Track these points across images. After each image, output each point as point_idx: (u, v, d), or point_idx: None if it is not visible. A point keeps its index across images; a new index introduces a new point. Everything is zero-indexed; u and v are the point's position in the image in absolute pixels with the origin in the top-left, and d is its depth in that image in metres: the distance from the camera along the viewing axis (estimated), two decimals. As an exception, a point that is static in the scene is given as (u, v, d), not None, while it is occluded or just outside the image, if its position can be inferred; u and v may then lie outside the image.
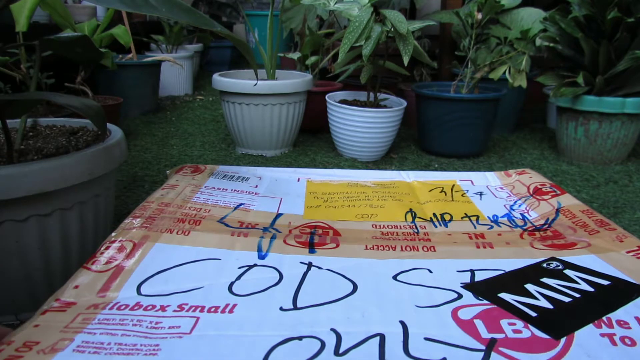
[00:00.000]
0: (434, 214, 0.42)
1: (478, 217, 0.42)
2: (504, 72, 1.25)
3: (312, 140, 1.43)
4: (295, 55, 1.58)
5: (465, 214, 0.42)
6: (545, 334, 0.24)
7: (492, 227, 0.40)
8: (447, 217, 0.42)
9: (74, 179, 0.56)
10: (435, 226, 0.40)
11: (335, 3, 1.12)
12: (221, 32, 0.48)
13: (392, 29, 1.05)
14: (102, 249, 0.32)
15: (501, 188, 0.50)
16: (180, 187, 0.44)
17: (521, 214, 0.43)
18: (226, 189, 0.45)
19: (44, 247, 0.56)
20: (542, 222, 0.41)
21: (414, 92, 1.32)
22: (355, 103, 1.30)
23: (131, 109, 1.65)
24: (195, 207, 0.40)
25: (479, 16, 1.23)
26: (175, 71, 2.01)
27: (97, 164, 0.58)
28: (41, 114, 1.06)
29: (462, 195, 0.48)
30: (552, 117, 1.62)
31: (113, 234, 0.34)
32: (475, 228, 0.40)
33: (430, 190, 0.48)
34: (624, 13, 1.11)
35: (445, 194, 0.48)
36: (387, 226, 0.39)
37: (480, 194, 0.48)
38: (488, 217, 0.42)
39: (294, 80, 1.24)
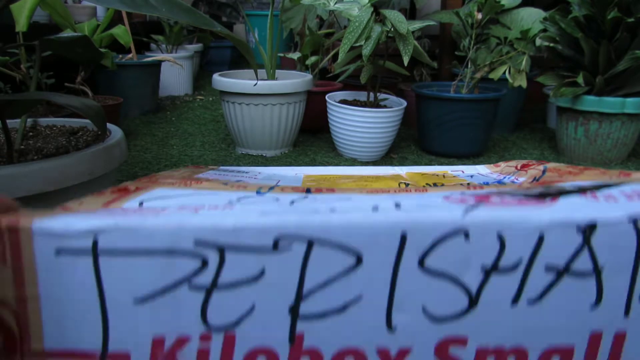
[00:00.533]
0: (427, 184, 0.45)
1: (469, 184, 0.45)
2: (504, 72, 1.25)
3: (312, 140, 1.43)
4: (295, 55, 1.58)
5: (457, 183, 0.46)
6: (533, 200, 0.26)
7: (482, 187, 0.44)
8: (439, 184, 0.44)
9: (74, 179, 0.56)
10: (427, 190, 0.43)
11: (335, 3, 1.12)
12: (221, 32, 0.48)
13: (392, 29, 1.05)
14: (107, 189, 0.33)
15: (490, 174, 0.54)
16: (181, 172, 0.47)
17: (511, 181, 0.45)
18: (226, 175, 0.48)
19: (44, 247, 0.56)
20: (531, 180, 0.43)
21: (414, 92, 1.32)
22: (355, 103, 1.30)
23: (131, 109, 1.65)
24: (196, 180, 0.42)
25: (479, 16, 1.23)
26: (175, 71, 2.01)
27: (97, 164, 0.58)
28: (41, 114, 1.06)
29: (453, 177, 0.51)
30: (552, 117, 1.62)
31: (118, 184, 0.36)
32: (467, 187, 0.43)
33: (422, 175, 0.52)
34: (624, 13, 1.11)
35: (437, 176, 0.52)
36: (382, 190, 0.42)
37: (471, 176, 0.51)
38: (479, 183, 0.45)
39: (294, 80, 1.24)
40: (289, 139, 1.31)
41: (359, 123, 1.19)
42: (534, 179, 0.43)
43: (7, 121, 0.58)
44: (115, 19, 1.64)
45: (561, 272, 0.22)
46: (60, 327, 0.22)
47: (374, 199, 0.28)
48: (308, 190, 0.36)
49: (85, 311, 0.22)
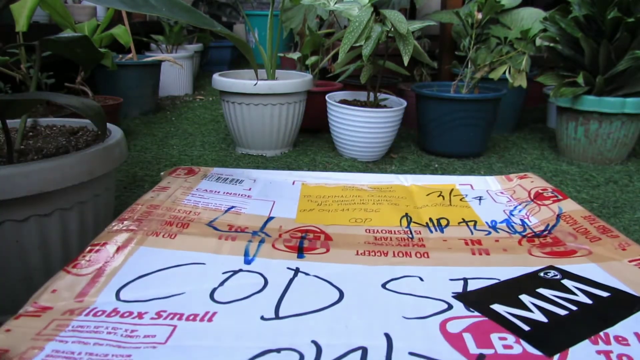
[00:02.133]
0: (430, 219, 0.41)
1: (476, 222, 0.41)
2: (504, 72, 1.25)
3: (312, 140, 1.43)
4: (295, 55, 1.58)
5: (462, 219, 0.41)
6: (537, 350, 0.24)
7: (489, 232, 0.39)
8: (443, 222, 0.41)
9: (74, 179, 0.56)
10: (431, 231, 0.39)
11: (335, 3, 1.12)
12: (221, 31, 0.48)
13: (392, 29, 1.05)
14: (85, 252, 0.31)
15: (501, 193, 0.49)
16: (172, 189, 0.43)
17: (521, 220, 0.41)
18: (218, 192, 0.44)
19: (44, 247, 0.56)
20: (542, 228, 0.40)
21: (414, 92, 1.32)
22: (355, 103, 1.30)
23: (131, 109, 1.65)
24: (184, 210, 0.39)
25: (479, 16, 1.23)
26: (175, 71, 2.01)
27: (97, 164, 0.58)
28: (41, 114, 1.06)
29: (460, 199, 0.46)
30: (552, 117, 1.62)
31: (97, 237, 0.34)
32: (472, 234, 0.38)
33: (427, 194, 0.47)
34: (624, 13, 1.11)
35: (444, 198, 0.47)
36: (381, 231, 0.38)
37: (480, 198, 0.47)
38: (486, 222, 0.41)
39: (294, 80, 1.24)
40: (289, 139, 1.30)
41: (359, 123, 1.19)
42: (546, 227, 0.40)
43: (7, 121, 0.58)
44: (115, 19, 1.64)
45: None
46: None
47: (369, 307, 0.27)
48: (300, 250, 0.34)
49: None
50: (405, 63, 1.04)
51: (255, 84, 1.18)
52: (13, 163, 0.56)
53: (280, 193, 0.46)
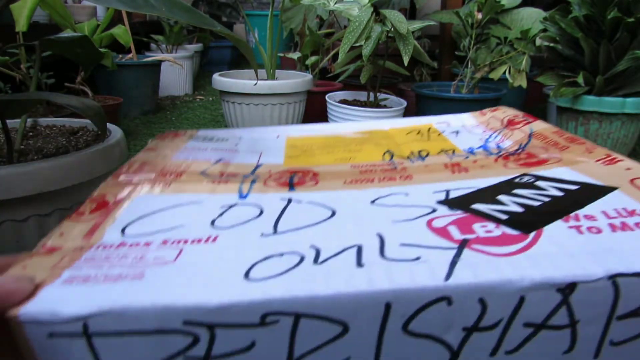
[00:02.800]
0: (412, 152, 0.43)
1: (454, 150, 0.43)
2: (504, 72, 1.25)
3: (312, 140, 1.43)
4: (295, 55, 1.58)
5: (442, 149, 0.44)
6: (515, 231, 0.26)
7: (467, 156, 0.41)
8: (424, 153, 0.43)
9: (74, 179, 0.56)
10: (412, 162, 0.42)
11: (335, 3, 1.12)
12: (221, 31, 0.48)
13: (392, 29, 1.05)
14: (87, 203, 0.33)
15: (477, 126, 0.52)
16: (160, 149, 0.46)
17: (496, 144, 0.45)
18: (206, 149, 0.46)
19: (44, 247, 0.56)
20: (516, 147, 0.42)
21: (414, 92, 1.32)
22: (355, 103, 1.30)
23: (131, 109, 1.65)
24: (175, 164, 0.41)
25: (479, 16, 1.23)
26: (175, 71, 2.01)
27: (97, 164, 0.58)
28: (41, 114, 1.06)
29: (438, 135, 0.49)
30: (552, 117, 1.62)
31: (95, 190, 0.36)
32: (451, 159, 0.41)
33: (407, 134, 0.50)
34: (624, 13, 1.11)
35: (422, 135, 0.50)
36: (366, 165, 0.41)
37: (457, 132, 0.50)
38: (464, 149, 0.43)
39: (294, 80, 1.24)
40: (289, 139, 1.30)
41: (359, 123, 1.19)
42: (520, 146, 0.42)
43: (7, 121, 0.58)
44: (115, 19, 1.64)
45: (539, 327, 0.23)
46: None
47: (358, 214, 0.29)
48: (291, 185, 0.36)
49: None
50: (405, 63, 1.04)
51: (255, 84, 1.18)
52: (13, 163, 0.56)
53: (266, 145, 0.48)
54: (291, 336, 0.22)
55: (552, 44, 1.24)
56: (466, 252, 0.24)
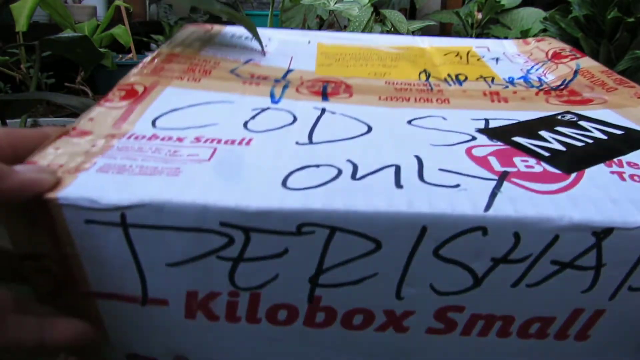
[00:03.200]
0: (449, 74, 0.42)
1: (493, 78, 0.41)
2: (504, 72, 1.25)
3: (312, 140, 1.43)
4: (295, 55, 1.58)
5: (480, 75, 0.42)
6: (556, 170, 0.25)
7: (507, 86, 0.40)
8: (461, 77, 0.41)
9: (74, 179, 0.55)
10: (449, 85, 0.40)
11: (335, 3, 1.12)
12: (221, 10, 0.47)
13: (392, 29, 1.05)
14: (115, 90, 0.32)
15: (518, 55, 0.50)
16: (188, 41, 0.44)
17: (538, 77, 0.43)
18: (235, 46, 0.45)
19: (44, 247, 0.56)
20: (559, 83, 0.40)
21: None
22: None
23: (131, 109, 1.65)
24: (204, 59, 0.40)
25: (479, 16, 1.23)
26: (175, 71, 2.01)
27: (97, 164, 0.58)
28: (41, 114, 1.06)
29: (477, 59, 0.47)
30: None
31: (122, 80, 0.35)
32: (490, 87, 0.39)
33: (445, 54, 0.48)
34: (624, 13, 1.11)
35: (461, 58, 0.47)
36: (401, 83, 0.39)
37: (497, 59, 0.47)
38: (504, 78, 0.41)
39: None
40: (289, 139, 1.30)
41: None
42: (563, 82, 0.40)
43: (7, 121, 0.58)
44: (115, 19, 1.64)
45: (565, 265, 0.23)
46: (103, 277, 0.23)
47: (395, 137, 0.28)
48: (324, 94, 0.35)
49: (123, 268, 0.23)
50: (405, 63, 1.04)
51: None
52: (13, 163, 0.56)
53: (296, 50, 0.46)
54: (324, 248, 0.22)
55: (552, 44, 1.24)
56: (506, 184, 0.24)
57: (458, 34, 1.46)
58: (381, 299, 0.24)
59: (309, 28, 1.50)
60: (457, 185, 0.23)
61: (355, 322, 0.25)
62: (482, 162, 0.26)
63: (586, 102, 0.36)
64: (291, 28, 1.53)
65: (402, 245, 0.22)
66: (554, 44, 0.50)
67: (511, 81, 0.41)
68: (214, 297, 0.24)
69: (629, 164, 0.26)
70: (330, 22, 1.71)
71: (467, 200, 0.22)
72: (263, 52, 0.44)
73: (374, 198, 0.22)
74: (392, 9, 1.06)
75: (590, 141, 0.29)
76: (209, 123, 0.29)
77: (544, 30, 1.26)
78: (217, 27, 0.50)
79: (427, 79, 0.41)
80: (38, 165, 0.22)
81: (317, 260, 0.23)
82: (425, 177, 0.24)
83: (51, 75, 1.16)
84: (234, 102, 0.32)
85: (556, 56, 0.46)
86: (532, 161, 0.26)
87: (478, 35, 1.27)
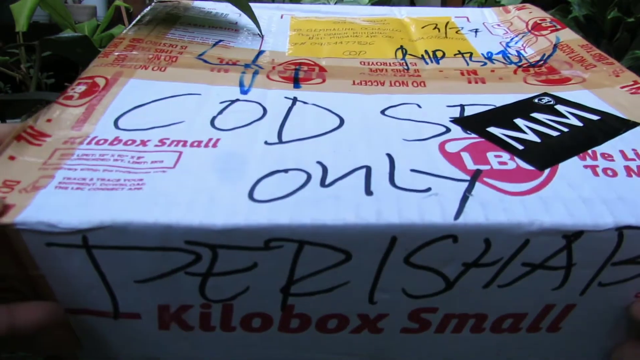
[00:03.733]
0: (426, 51, 0.40)
1: (472, 54, 0.40)
2: (504, 72, 1.25)
3: (312, 140, 1.42)
4: (295, 55, 1.58)
5: (458, 50, 0.41)
6: (530, 166, 0.25)
7: (485, 63, 0.39)
8: (439, 54, 0.40)
9: (73, 179, 0.55)
10: (427, 63, 0.39)
11: (335, 3, 1.12)
12: None
13: (392, 29, 1.05)
14: (74, 85, 0.31)
15: (498, 25, 0.48)
16: (154, 22, 0.43)
17: (517, 51, 0.42)
18: (203, 26, 0.43)
19: (44, 247, 0.56)
20: (538, 58, 0.40)
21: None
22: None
23: (131, 109, 1.65)
24: (170, 44, 0.38)
25: (479, 16, 1.23)
26: (175, 71, 2.01)
27: (97, 164, 0.58)
28: (41, 114, 1.06)
29: (456, 32, 0.45)
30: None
31: (83, 72, 0.33)
32: (468, 65, 0.38)
33: (423, 27, 0.46)
34: (624, 13, 1.11)
35: (439, 30, 0.45)
36: (376, 63, 0.38)
37: (476, 30, 0.46)
38: (482, 54, 0.41)
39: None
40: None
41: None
42: (542, 57, 0.39)
43: (7, 121, 0.58)
44: (115, 19, 1.63)
45: (535, 267, 0.23)
46: (71, 295, 0.23)
47: (368, 129, 0.27)
48: (296, 80, 0.33)
49: (91, 286, 0.22)
50: (405, 63, 1.04)
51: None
52: (13, 163, 0.56)
53: (269, 27, 0.44)
54: (293, 260, 0.22)
55: (552, 44, 1.24)
56: (478, 186, 0.23)
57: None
58: (354, 304, 0.24)
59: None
60: (428, 189, 0.23)
61: (330, 326, 0.25)
62: (455, 159, 0.25)
63: (564, 81, 0.35)
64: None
65: (372, 255, 0.22)
66: (534, 13, 0.48)
67: (489, 57, 0.40)
68: (186, 310, 0.24)
69: (602, 155, 0.26)
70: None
71: (437, 206, 0.22)
72: (261, 35, 0.42)
73: (342, 209, 0.22)
74: (392, 9, 1.06)
75: (566, 129, 0.29)
76: (174, 121, 0.28)
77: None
78: (184, 2, 0.47)
79: (404, 57, 0.39)
80: None
81: (287, 272, 0.22)
82: (396, 180, 0.24)
83: (51, 75, 1.16)
84: (201, 94, 0.31)
85: (536, 27, 0.45)
86: (505, 156, 0.26)
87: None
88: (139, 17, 0.43)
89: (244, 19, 0.44)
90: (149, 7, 0.45)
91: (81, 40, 0.59)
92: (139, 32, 0.40)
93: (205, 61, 0.36)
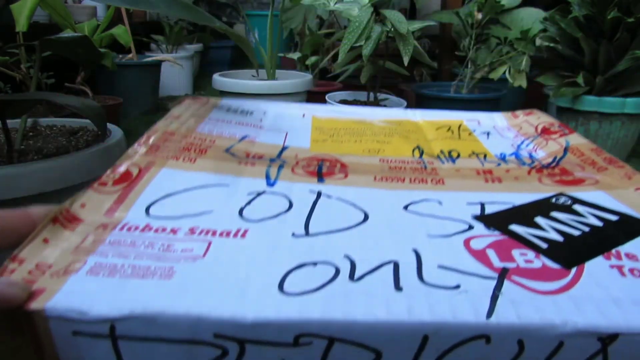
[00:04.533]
0: (442, 151, 0.42)
1: (485, 154, 0.42)
2: (504, 72, 1.25)
3: (312, 140, 1.43)
4: (295, 55, 1.58)
5: (472, 151, 0.43)
6: (556, 264, 0.25)
7: (499, 164, 0.40)
8: (454, 154, 0.42)
9: (74, 179, 0.56)
10: (443, 162, 0.40)
11: (335, 3, 1.12)
12: (220, 27, 0.48)
13: (392, 29, 1.05)
14: (108, 172, 0.32)
15: (508, 129, 0.50)
16: (184, 117, 0.44)
17: (529, 153, 0.43)
18: (230, 121, 0.45)
19: (44, 247, 0.56)
20: (550, 160, 0.41)
21: (414, 92, 1.32)
22: (355, 103, 1.30)
23: (131, 109, 1.65)
24: (200, 137, 0.40)
25: (479, 16, 1.23)
26: (175, 71, 2.01)
27: (97, 164, 0.58)
28: (41, 114, 1.06)
29: (469, 134, 0.47)
30: (552, 117, 1.62)
31: (118, 161, 0.35)
32: (482, 165, 0.40)
33: (437, 129, 0.48)
34: (624, 13, 1.11)
35: (452, 132, 0.47)
36: (395, 161, 0.40)
37: (488, 133, 0.48)
38: (495, 155, 0.42)
39: (294, 80, 1.24)
40: (289, 139, 1.30)
41: (359, 123, 1.19)
42: (554, 159, 0.41)
43: (7, 121, 0.58)
44: (115, 19, 1.63)
45: None
46: None
47: (391, 225, 0.28)
48: (320, 175, 0.35)
49: None
50: (405, 63, 1.04)
51: (254, 76, 1.18)
52: (13, 163, 0.56)
53: (292, 125, 0.46)
54: (322, 358, 0.22)
55: (552, 44, 1.24)
56: (507, 284, 0.23)
57: (458, 34, 1.46)
58: None
59: (309, 28, 1.50)
60: (457, 287, 0.23)
61: None
62: (481, 256, 0.26)
63: (578, 182, 0.37)
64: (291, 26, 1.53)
65: (402, 354, 0.22)
66: (542, 118, 0.50)
67: (503, 158, 0.41)
68: None
69: (627, 255, 0.26)
70: (330, 22, 1.71)
71: (468, 304, 0.22)
72: (257, 73, 0.43)
73: (373, 305, 0.21)
74: (392, 9, 1.06)
75: (587, 229, 0.29)
76: (203, 211, 0.28)
77: (544, 31, 1.26)
78: (212, 100, 0.50)
79: (421, 155, 0.41)
80: (8, 279, 0.21)
81: None
82: (425, 276, 0.24)
83: (51, 75, 1.16)
84: (229, 185, 0.32)
85: (545, 131, 0.47)
86: (530, 254, 0.26)
87: (478, 36, 1.27)
88: (171, 111, 0.45)
89: (268, 118, 0.47)
90: (180, 104, 0.48)
91: (81, 40, 0.59)
92: (171, 126, 0.42)
93: (232, 154, 0.37)
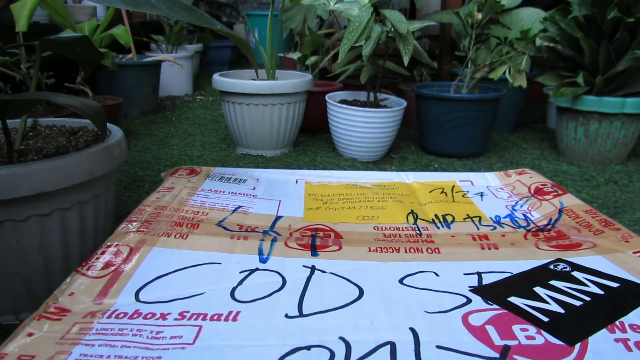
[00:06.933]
0: (436, 215, 0.41)
1: (480, 218, 0.41)
2: (504, 72, 1.25)
3: (312, 140, 1.43)
4: (295, 55, 1.58)
5: (467, 214, 0.42)
6: (559, 340, 0.24)
7: (495, 227, 0.39)
8: (449, 218, 0.41)
9: (74, 179, 0.56)
10: (438, 227, 0.39)
11: (335, 3, 1.12)
12: (221, 30, 0.48)
13: (392, 29, 1.05)
14: (98, 254, 0.31)
15: (501, 188, 0.50)
16: (177, 189, 0.44)
17: (523, 215, 0.42)
18: (223, 192, 0.44)
19: (44, 247, 0.56)
20: (545, 222, 0.40)
21: (414, 92, 1.32)
22: (355, 103, 1.30)
23: (131, 109, 1.65)
24: (192, 210, 0.39)
25: (479, 16, 1.23)
26: (175, 71, 2.01)
27: (97, 164, 0.58)
28: (41, 114, 1.06)
29: (462, 196, 0.47)
30: (552, 117, 1.62)
31: (108, 239, 0.34)
32: (478, 229, 0.39)
33: (430, 191, 0.48)
34: (624, 13, 1.11)
35: (446, 194, 0.47)
36: (389, 228, 0.39)
37: (481, 194, 0.48)
38: (490, 217, 0.41)
39: (294, 80, 1.24)
40: (289, 139, 1.30)
41: (358, 123, 1.19)
42: (549, 221, 0.41)
43: (7, 121, 0.58)
44: (116, 19, 1.63)
45: None
46: None
47: (386, 299, 0.27)
48: (313, 248, 0.34)
49: None
50: (405, 63, 1.04)
51: (253, 80, 1.18)
52: (13, 163, 0.56)
53: (285, 192, 0.46)
54: None
55: (552, 44, 1.24)
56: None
57: (458, 34, 1.46)
58: None
59: (309, 28, 1.50)
60: None
61: None
62: (481, 334, 0.25)
63: (575, 246, 0.36)
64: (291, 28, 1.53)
65: None
66: (535, 178, 0.50)
67: (498, 221, 0.41)
68: None
69: (631, 327, 0.26)
70: (330, 22, 1.71)
71: None
72: (257, 73, 0.43)
73: None
74: (392, 9, 1.06)
75: (588, 299, 0.28)
76: (195, 293, 0.28)
77: (544, 31, 1.26)
78: (205, 169, 0.50)
79: (415, 221, 0.41)
80: None
81: None
82: (423, 357, 0.23)
83: (51, 75, 1.16)
84: (221, 263, 0.32)
85: (539, 192, 0.47)
86: (532, 330, 0.25)
87: (478, 35, 1.27)
88: (163, 182, 0.45)
89: (261, 185, 0.47)
90: (172, 175, 0.47)
91: (81, 40, 0.59)
92: (163, 200, 0.41)
93: (225, 228, 0.37)
